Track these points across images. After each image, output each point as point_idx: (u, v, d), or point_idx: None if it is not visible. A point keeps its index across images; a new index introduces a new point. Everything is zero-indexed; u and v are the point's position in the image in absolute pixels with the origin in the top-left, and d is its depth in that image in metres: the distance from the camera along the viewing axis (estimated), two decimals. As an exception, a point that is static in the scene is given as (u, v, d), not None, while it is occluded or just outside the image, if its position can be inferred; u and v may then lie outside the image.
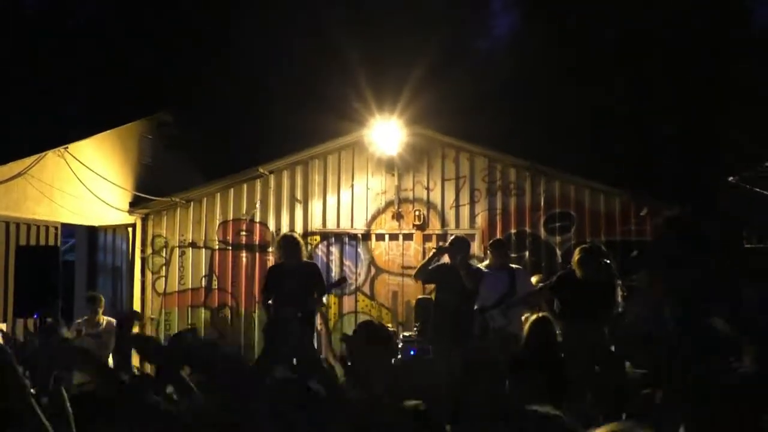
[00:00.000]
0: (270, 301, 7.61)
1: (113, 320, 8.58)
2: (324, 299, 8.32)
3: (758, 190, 7.33)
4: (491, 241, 8.66)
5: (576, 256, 7.47)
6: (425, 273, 7.76)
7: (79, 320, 8.43)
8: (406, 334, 8.80)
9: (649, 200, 9.68)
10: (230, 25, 13.78)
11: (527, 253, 9.83)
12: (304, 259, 7.82)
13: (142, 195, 10.32)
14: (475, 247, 9.75)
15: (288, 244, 7.63)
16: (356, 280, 10.14)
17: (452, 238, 8.04)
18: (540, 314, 6.68)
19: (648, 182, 9.88)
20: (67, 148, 9.10)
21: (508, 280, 7.99)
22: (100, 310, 8.43)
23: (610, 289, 7.53)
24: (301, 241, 7.96)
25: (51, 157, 8.87)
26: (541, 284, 8.63)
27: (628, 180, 9.87)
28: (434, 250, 7.97)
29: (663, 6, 11.75)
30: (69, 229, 10.18)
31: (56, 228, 8.95)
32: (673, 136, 11.15)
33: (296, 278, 7.38)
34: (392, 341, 6.97)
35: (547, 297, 7.52)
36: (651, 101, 11.57)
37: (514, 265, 8.33)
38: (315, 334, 8.08)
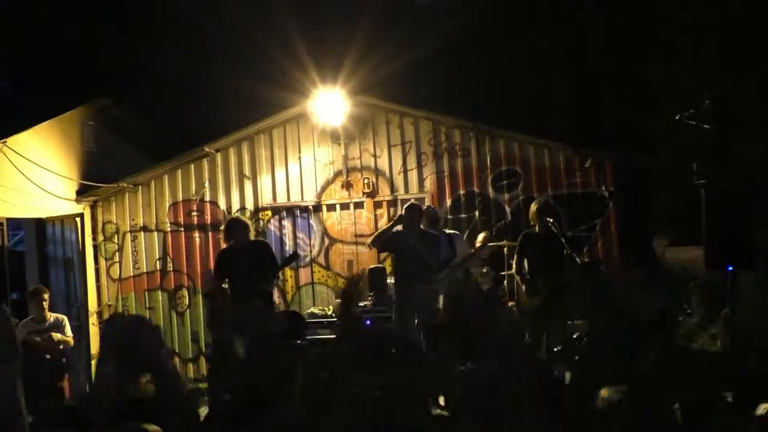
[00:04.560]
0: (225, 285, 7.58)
1: (62, 316, 8.17)
2: (279, 275, 8.34)
3: (705, 126, 7.50)
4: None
5: (534, 207, 7.63)
6: (381, 242, 7.82)
7: (25, 319, 7.94)
8: (361, 304, 8.92)
9: (592, 152, 9.82)
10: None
11: (477, 213, 9.95)
12: (253, 238, 7.78)
13: (89, 183, 10.21)
14: (425, 210, 9.84)
15: (234, 225, 7.60)
16: (311, 251, 10.20)
17: (406, 205, 8.04)
18: None
19: (591, 133, 10.02)
20: (6, 141, 8.93)
21: (447, 244, 8.18)
22: (45, 304, 7.97)
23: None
24: (248, 222, 7.94)
25: (-11, 152, 8.71)
26: (488, 243, 8.82)
27: (574, 133, 9.99)
28: (394, 220, 8.00)
29: None
30: (17, 222, 10.08)
31: (1, 224, 8.81)
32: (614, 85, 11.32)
33: (248, 259, 7.36)
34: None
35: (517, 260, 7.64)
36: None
37: (448, 231, 8.55)
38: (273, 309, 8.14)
